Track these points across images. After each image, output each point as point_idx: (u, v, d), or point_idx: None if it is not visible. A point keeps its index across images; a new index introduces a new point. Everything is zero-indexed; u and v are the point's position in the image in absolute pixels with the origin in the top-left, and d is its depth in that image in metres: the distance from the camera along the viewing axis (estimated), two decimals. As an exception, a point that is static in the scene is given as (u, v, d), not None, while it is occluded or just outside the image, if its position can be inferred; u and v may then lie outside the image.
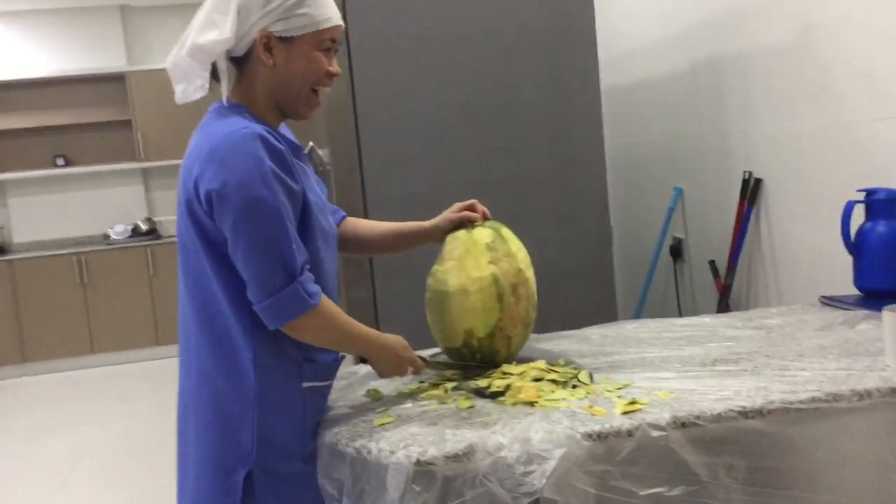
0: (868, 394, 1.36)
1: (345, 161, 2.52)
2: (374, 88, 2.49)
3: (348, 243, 1.78)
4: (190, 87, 1.49)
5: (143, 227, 6.82)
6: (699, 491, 1.31)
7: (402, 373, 1.59)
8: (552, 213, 2.60)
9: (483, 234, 1.67)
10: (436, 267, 1.69)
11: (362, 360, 1.67)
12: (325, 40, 1.48)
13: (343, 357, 1.64)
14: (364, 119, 2.49)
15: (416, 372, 1.62)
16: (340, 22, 1.51)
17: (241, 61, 1.50)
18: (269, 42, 1.46)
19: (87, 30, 6.86)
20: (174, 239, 6.68)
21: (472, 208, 1.73)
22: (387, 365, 1.57)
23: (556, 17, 2.58)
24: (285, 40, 1.46)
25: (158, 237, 6.82)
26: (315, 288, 1.43)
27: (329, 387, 1.58)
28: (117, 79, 6.82)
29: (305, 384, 1.50)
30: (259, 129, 1.41)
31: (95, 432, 4.82)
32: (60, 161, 6.87)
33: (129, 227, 6.83)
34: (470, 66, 2.54)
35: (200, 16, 1.47)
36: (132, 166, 6.91)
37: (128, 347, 6.59)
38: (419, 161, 2.52)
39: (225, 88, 1.49)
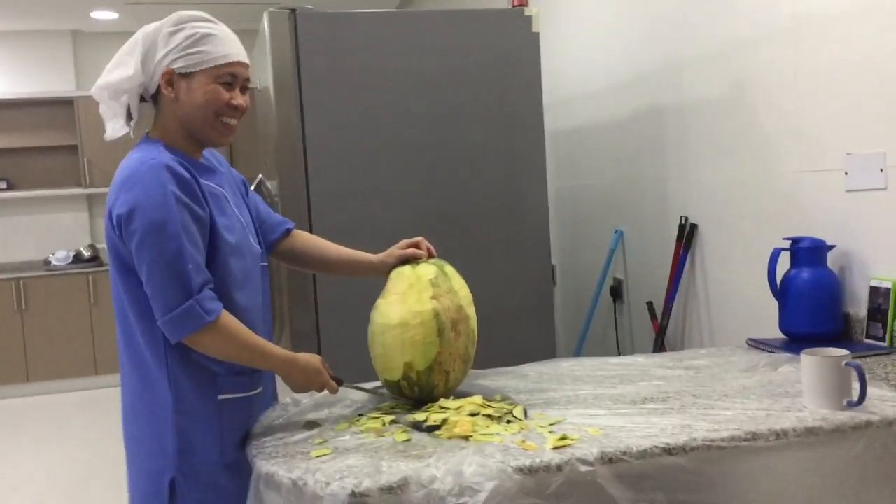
0: (784, 433, 1.43)
1: (293, 193, 2.55)
2: (323, 122, 2.53)
3: (297, 257, 1.91)
4: (116, 125, 1.67)
5: (86, 253, 6.72)
6: (624, 525, 1.36)
7: (315, 390, 1.68)
8: (496, 252, 2.66)
9: (427, 270, 1.74)
10: (379, 300, 1.74)
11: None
12: (223, 74, 1.62)
13: (264, 372, 1.72)
14: (312, 152, 2.53)
15: (332, 391, 1.71)
16: (241, 59, 1.65)
17: (154, 98, 1.67)
18: (171, 78, 1.62)
19: (37, 53, 6.80)
20: (117, 266, 6.58)
21: (418, 245, 1.83)
22: (297, 383, 1.66)
23: (504, 59, 2.66)
24: (185, 76, 1.62)
25: (101, 264, 6.72)
26: (213, 306, 1.54)
27: (252, 399, 1.68)
28: (66, 103, 6.75)
29: (221, 396, 1.62)
30: (166, 159, 1.56)
31: (28, 463, 4.70)
32: (3, 184, 6.75)
33: (72, 254, 6.72)
34: (418, 104, 2.60)
35: (114, 58, 1.65)
36: (77, 192, 6.83)
37: (65, 376, 6.45)
38: (366, 195, 2.56)
39: (133, 124, 1.67)
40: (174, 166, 1.55)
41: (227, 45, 1.63)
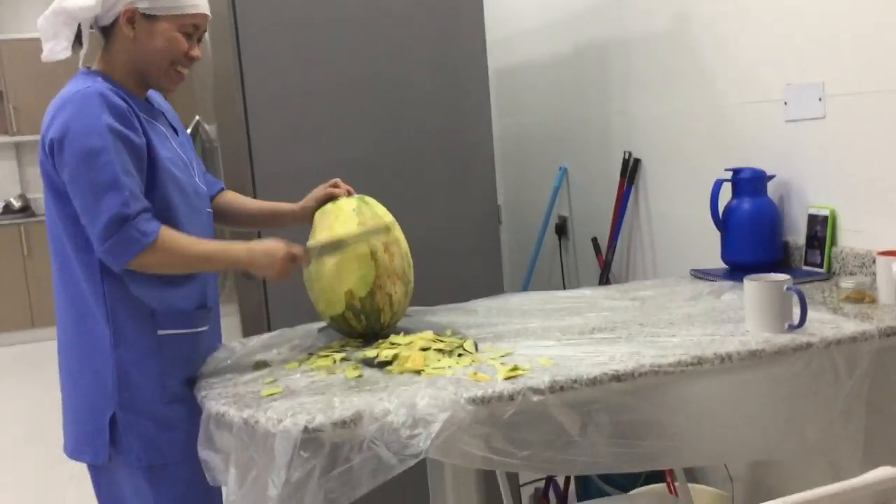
0: (729, 357, 1.46)
1: (232, 137, 2.48)
2: (263, 65, 2.45)
3: (224, 215, 1.90)
4: (57, 47, 1.59)
5: (16, 203, 6.50)
6: (570, 448, 1.39)
7: (287, 271, 1.63)
8: (442, 191, 2.64)
9: (348, 202, 1.78)
10: (308, 242, 1.75)
11: (245, 276, 1.71)
12: (187, 25, 1.60)
13: (208, 307, 1.69)
14: (252, 96, 2.46)
15: (302, 262, 1.67)
16: (206, 11, 1.63)
17: (106, 31, 1.61)
18: (133, 17, 1.57)
19: (-49, -6, 6.45)
20: (51, 217, 6.39)
21: (335, 186, 1.85)
22: (266, 268, 1.62)
23: (446, -4, 2.60)
24: (149, 17, 1.58)
25: (32, 215, 6.51)
26: (150, 227, 1.51)
27: (195, 336, 1.65)
28: (-14, 47, 6.44)
29: (161, 332, 1.60)
30: (102, 88, 1.52)
31: (-34, 419, 4.59)
32: (-77, 133, 6.45)
33: (1, 204, 6.49)
34: (359, 44, 2.54)
35: None
36: (3, 140, 6.57)
37: (0, 329, 6.28)
38: (308, 138, 2.51)
39: (83, 53, 1.61)
40: (109, 95, 1.52)
41: None
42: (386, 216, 1.77)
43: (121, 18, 1.57)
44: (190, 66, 1.65)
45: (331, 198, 1.82)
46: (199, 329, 1.67)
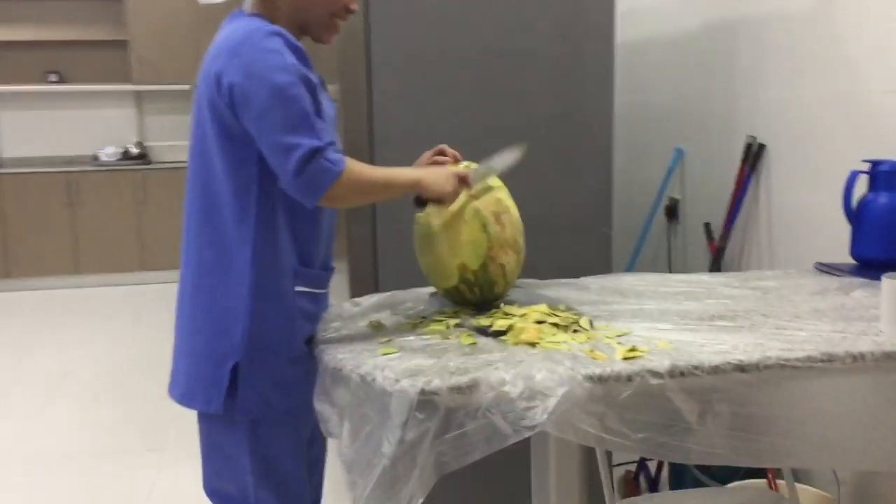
0: (862, 357, 1.40)
1: (354, 98, 2.50)
2: (389, 29, 2.46)
3: None
4: None
5: (134, 150, 6.76)
6: (687, 436, 1.36)
7: (458, 190, 1.63)
8: (556, 164, 2.60)
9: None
10: (417, 213, 1.74)
11: (418, 203, 1.69)
12: None
13: (333, 269, 1.71)
14: (377, 57, 2.47)
15: (469, 182, 1.65)
16: None
17: None
18: None
19: (87, -56, 6.70)
20: (165, 166, 6.63)
21: (441, 153, 1.80)
22: (442, 185, 1.60)
23: (575, -35, 2.55)
24: None
25: (149, 162, 6.77)
26: (338, 156, 1.49)
27: (322, 297, 1.67)
28: (115, -2, 6.69)
29: (297, 288, 1.59)
30: (278, 28, 1.50)
31: (78, 351, 4.85)
32: (53, 77, 6.76)
33: (120, 150, 6.77)
34: (484, 11, 2.51)
35: None
36: (126, 88, 6.82)
37: (112, 270, 6.58)
38: (428, 102, 2.51)
39: (247, 2, 1.59)
40: (287, 36, 1.50)
41: None
42: (496, 183, 1.74)
43: None
44: (347, 19, 1.63)
45: (437, 165, 1.78)
46: (324, 290, 1.69)
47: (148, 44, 6.61)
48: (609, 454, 2.65)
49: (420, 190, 1.61)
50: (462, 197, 1.67)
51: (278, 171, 1.48)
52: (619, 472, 2.99)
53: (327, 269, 1.70)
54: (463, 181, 1.64)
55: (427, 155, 1.81)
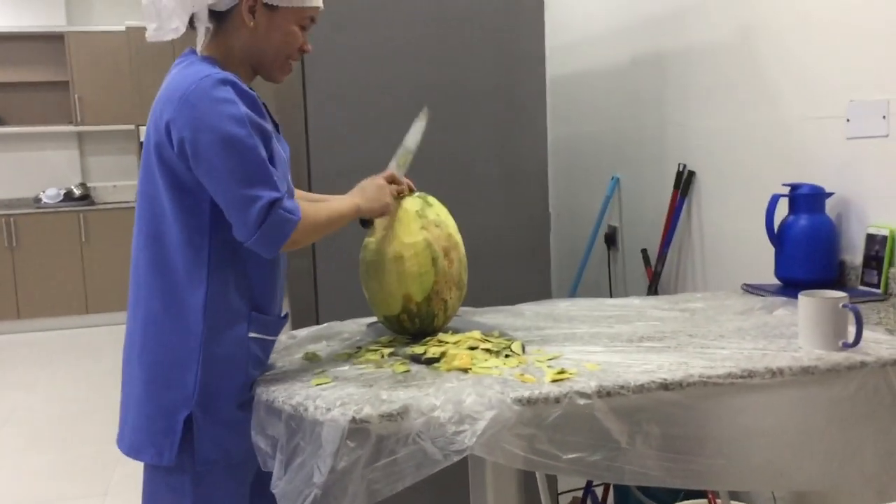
0: (780, 372, 1.45)
1: (291, 133, 2.52)
2: (322, 60, 2.50)
3: None
4: (163, 28, 1.53)
5: (77, 192, 6.67)
6: (618, 456, 1.38)
7: (389, 201, 1.67)
8: (494, 194, 2.65)
9: (412, 203, 1.75)
10: (367, 239, 1.76)
11: (364, 224, 1.73)
12: (305, 18, 1.57)
13: (287, 316, 1.69)
14: (312, 93, 2.50)
15: (400, 191, 1.72)
16: (321, 4, 1.59)
17: (221, 16, 1.55)
18: (255, 6, 1.53)
19: (25, -14, 6.66)
20: (108, 206, 6.55)
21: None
22: (379, 198, 1.65)
23: (507, 2, 2.62)
24: (270, 8, 1.54)
25: (92, 203, 6.68)
26: (293, 204, 1.49)
27: (272, 343, 1.63)
28: (56, 38, 6.65)
29: (251, 334, 1.56)
30: (229, 75, 1.47)
31: (20, 398, 4.73)
32: (-8, 119, 6.66)
33: (62, 192, 6.68)
34: (419, 46, 2.57)
35: None
36: (68, 129, 6.75)
37: (56, 314, 6.45)
38: (364, 136, 2.54)
39: (200, 39, 1.54)
40: (238, 83, 1.47)
41: None
42: (448, 218, 1.76)
43: (242, 6, 1.52)
44: (298, 59, 1.61)
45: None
46: (275, 338, 1.65)
47: (89, 84, 6.57)
48: (554, 480, 2.68)
49: (363, 213, 1.63)
50: (412, 226, 1.69)
51: (235, 225, 1.46)
52: (566, 499, 3.01)
53: (281, 317, 1.66)
54: (392, 181, 1.69)
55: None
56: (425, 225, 1.70)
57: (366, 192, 1.65)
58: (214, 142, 1.42)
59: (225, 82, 1.45)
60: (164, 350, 1.53)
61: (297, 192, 1.88)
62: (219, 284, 1.52)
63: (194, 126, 1.42)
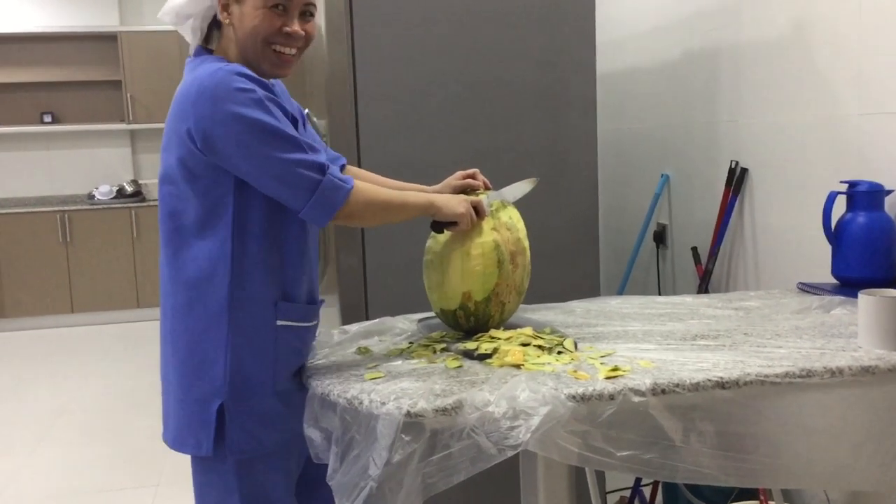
0: (840, 371, 1.42)
1: (342, 130, 2.54)
2: (374, 59, 2.51)
3: None
4: (181, 28, 1.62)
5: (129, 188, 6.80)
6: (671, 454, 1.37)
7: (472, 215, 1.66)
8: (543, 191, 2.64)
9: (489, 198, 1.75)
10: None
11: (435, 227, 1.71)
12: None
13: (322, 301, 1.71)
14: (363, 90, 2.52)
15: (482, 210, 1.68)
16: None
17: (219, 24, 1.61)
18: (227, 2, 1.56)
19: (80, -13, 6.81)
20: (159, 202, 6.67)
21: (474, 177, 1.82)
22: (455, 207, 1.63)
23: (557, -2, 2.61)
24: (238, 1, 1.55)
25: (143, 200, 6.81)
26: (342, 174, 1.51)
27: (307, 329, 1.65)
28: (109, 38, 6.78)
29: (279, 322, 1.58)
30: (238, 66, 1.49)
31: (74, 389, 4.84)
32: (48, 118, 6.83)
33: (115, 188, 6.81)
34: (469, 42, 2.57)
35: None
36: (120, 127, 6.89)
37: (108, 308, 6.59)
38: (415, 133, 2.55)
39: (192, 45, 1.61)
40: (247, 72, 1.49)
41: None
42: (519, 223, 1.75)
43: (218, 7, 1.56)
44: (293, 44, 1.56)
45: (467, 188, 1.80)
46: (311, 323, 1.66)
47: (141, 83, 6.69)
48: (602, 478, 2.66)
49: (433, 212, 1.63)
50: (483, 226, 1.69)
51: (287, 196, 1.48)
52: (614, 498, 3.00)
53: (313, 303, 1.68)
54: (476, 208, 1.67)
55: (457, 177, 1.82)
56: (497, 226, 1.69)
57: (444, 196, 1.65)
58: (245, 129, 1.44)
59: (237, 72, 1.47)
60: (192, 342, 1.56)
61: (362, 171, 1.91)
62: (242, 274, 1.54)
63: (220, 120, 1.44)
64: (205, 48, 1.62)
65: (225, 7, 1.56)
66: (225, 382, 1.54)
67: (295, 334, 1.62)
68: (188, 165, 1.51)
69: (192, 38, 1.62)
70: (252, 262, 1.55)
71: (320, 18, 2.56)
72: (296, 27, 1.56)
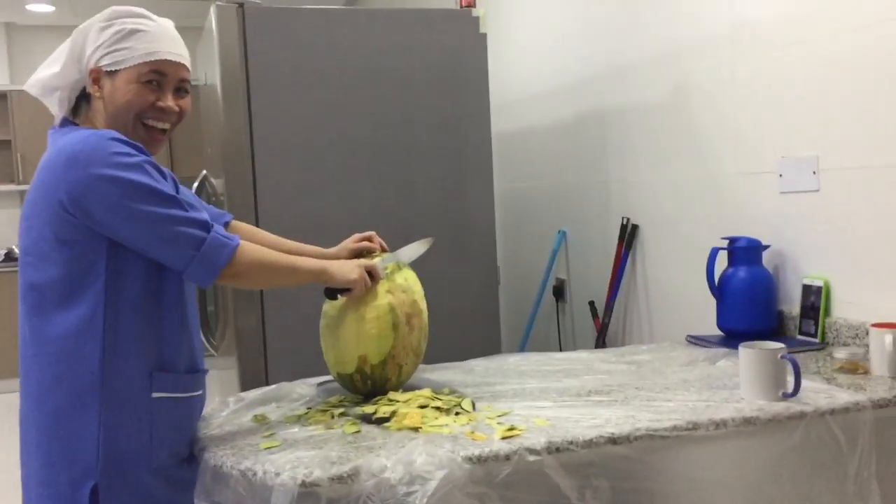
0: (724, 423, 1.48)
1: (239, 191, 2.53)
2: (271, 120, 2.52)
3: None
4: (47, 100, 1.61)
5: (18, 251, 6.52)
6: (569, 512, 1.39)
7: (366, 281, 1.66)
8: (442, 251, 2.67)
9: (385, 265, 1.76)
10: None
11: (329, 294, 1.69)
12: (146, 73, 1.53)
13: (206, 371, 1.66)
14: (260, 150, 2.51)
15: (378, 274, 1.69)
16: (171, 57, 1.56)
17: (87, 97, 1.59)
18: (98, 76, 1.55)
19: (-33, 44, 6.59)
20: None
21: (370, 240, 1.84)
22: (347, 273, 1.63)
23: (451, 59, 2.68)
24: (111, 74, 1.54)
25: (34, 262, 6.53)
26: (230, 234, 1.50)
27: (189, 401, 1.58)
28: (-2, 97, 6.56)
29: (155, 394, 1.51)
30: (110, 131, 1.48)
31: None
32: (-71, 179, 6.51)
33: (3, 252, 6.52)
34: (365, 102, 2.61)
35: (53, 54, 1.57)
36: (9, 188, 6.63)
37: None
38: (313, 192, 2.56)
39: (58, 117, 1.59)
40: (120, 136, 1.47)
41: (156, 42, 1.54)
42: (415, 285, 1.76)
43: (89, 80, 1.55)
44: (165, 119, 1.56)
45: (363, 251, 1.81)
46: (194, 394, 1.60)
47: (32, 143, 6.48)
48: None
49: (326, 279, 1.62)
50: (378, 289, 1.69)
51: (169, 257, 1.45)
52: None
53: (196, 371, 1.61)
54: (370, 273, 1.67)
55: (356, 237, 1.83)
56: (392, 289, 1.70)
57: (337, 263, 1.65)
58: (123, 192, 1.41)
59: (111, 137, 1.45)
60: (60, 424, 1.46)
61: (253, 228, 1.90)
62: (115, 346, 1.47)
63: (96, 185, 1.41)
64: (69, 120, 1.59)
65: (96, 80, 1.55)
66: (98, 461, 1.46)
67: (174, 406, 1.54)
68: (59, 235, 1.45)
69: (58, 109, 1.59)
70: (125, 331, 1.48)
71: (215, 78, 2.55)
72: (169, 102, 1.56)
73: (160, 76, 1.54)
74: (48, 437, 1.48)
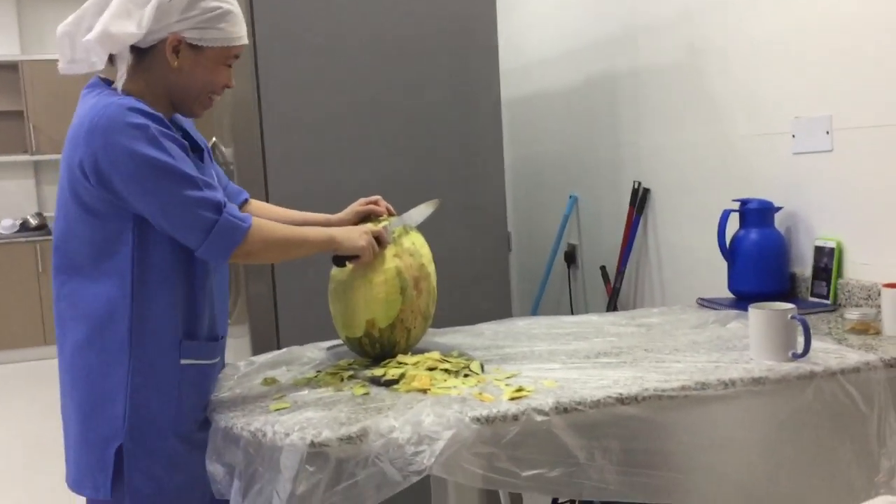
0: (732, 383, 1.48)
1: (248, 159, 2.52)
2: (279, 88, 2.51)
3: None
4: (78, 62, 1.53)
5: (33, 221, 6.57)
6: (577, 472, 1.40)
7: (374, 247, 1.66)
8: (453, 217, 2.67)
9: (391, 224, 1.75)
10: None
11: (337, 261, 1.70)
12: (230, 56, 1.58)
13: (224, 337, 1.67)
14: (268, 118, 2.51)
15: (385, 240, 1.69)
16: (247, 41, 1.61)
17: (142, 52, 1.53)
18: (178, 46, 1.52)
19: (-22, 15, 6.59)
20: (66, 235, 6.45)
21: (376, 203, 1.82)
22: (356, 240, 1.64)
23: (461, 26, 2.66)
24: (195, 48, 1.54)
25: (48, 232, 6.58)
26: (240, 212, 1.50)
27: (212, 367, 1.62)
28: (10, 68, 6.56)
29: (183, 361, 1.54)
30: (132, 100, 1.46)
31: (-25, 433, 4.62)
32: (-56, 150, 6.55)
33: (18, 222, 6.57)
34: (375, 69, 2.59)
35: (116, 2, 1.49)
36: (23, 158, 6.66)
37: (12, 346, 6.33)
38: (322, 160, 2.55)
39: (122, 76, 1.53)
40: (141, 106, 1.45)
41: (241, 26, 1.57)
42: (423, 248, 1.75)
43: (165, 45, 1.51)
44: (221, 94, 1.62)
45: (370, 214, 1.81)
46: (214, 360, 1.62)
47: (44, 113, 6.49)
48: (519, 499, 2.68)
49: (334, 247, 1.63)
50: (385, 253, 1.69)
51: (183, 235, 1.46)
52: (533, 518, 3.01)
53: (216, 339, 1.64)
54: (378, 238, 1.67)
55: (360, 203, 1.82)
56: (399, 253, 1.70)
57: (345, 230, 1.65)
58: (138, 167, 1.41)
59: (130, 107, 1.44)
60: (91, 381, 1.51)
61: (264, 205, 1.89)
62: (144, 312, 1.50)
63: (113, 156, 1.41)
64: (102, 79, 1.58)
65: (175, 50, 1.52)
66: (124, 423, 1.49)
67: (199, 373, 1.58)
68: (83, 199, 1.47)
69: (101, 66, 1.52)
70: (155, 298, 1.51)
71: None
72: (232, 80, 1.62)
73: (235, 59, 1.60)
74: (81, 396, 1.52)
